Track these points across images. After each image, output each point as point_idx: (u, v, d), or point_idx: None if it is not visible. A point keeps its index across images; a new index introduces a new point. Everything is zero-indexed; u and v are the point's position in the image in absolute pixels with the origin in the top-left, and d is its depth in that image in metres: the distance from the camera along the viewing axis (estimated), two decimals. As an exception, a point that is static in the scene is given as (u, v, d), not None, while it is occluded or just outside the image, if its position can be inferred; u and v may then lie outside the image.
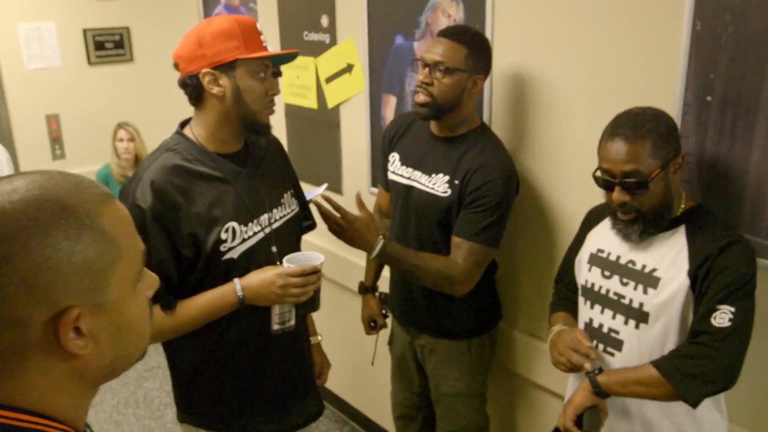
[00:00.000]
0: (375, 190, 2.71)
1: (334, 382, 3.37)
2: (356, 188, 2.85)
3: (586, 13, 1.91)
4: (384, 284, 2.43)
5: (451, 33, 1.98)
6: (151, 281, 0.87)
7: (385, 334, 2.51)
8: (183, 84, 1.64)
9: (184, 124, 1.71)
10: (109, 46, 4.43)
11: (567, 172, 2.05)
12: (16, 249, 0.70)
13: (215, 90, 1.61)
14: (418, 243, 2.10)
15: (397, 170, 2.17)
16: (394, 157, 2.20)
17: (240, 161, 1.72)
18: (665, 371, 1.50)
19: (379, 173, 2.36)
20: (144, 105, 4.38)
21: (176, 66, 1.64)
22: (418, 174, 2.10)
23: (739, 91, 1.63)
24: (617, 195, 1.57)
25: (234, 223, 1.66)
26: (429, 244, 2.07)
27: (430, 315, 2.18)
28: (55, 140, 4.37)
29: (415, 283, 2.14)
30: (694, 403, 1.50)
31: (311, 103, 2.98)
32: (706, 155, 1.71)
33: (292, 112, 3.14)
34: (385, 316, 2.42)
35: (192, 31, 1.62)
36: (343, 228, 1.90)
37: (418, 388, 2.39)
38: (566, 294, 1.89)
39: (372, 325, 2.44)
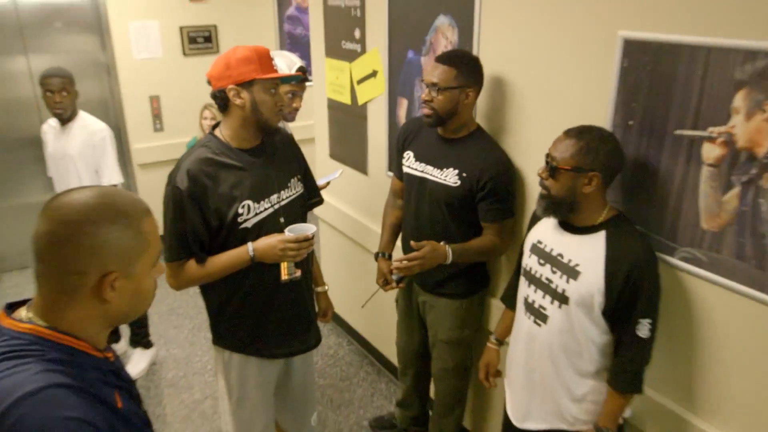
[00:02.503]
0: (391, 173, 2.91)
1: (358, 325, 3.66)
2: (378, 170, 3.06)
3: (545, 44, 2.04)
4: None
5: (443, 58, 2.13)
6: (160, 269, 1.15)
7: (390, 294, 2.69)
8: (214, 96, 1.88)
9: (215, 127, 1.97)
10: (200, 40, 4.72)
11: (538, 162, 2.14)
12: (93, 229, 1.00)
13: (238, 101, 1.85)
14: (430, 222, 2.29)
15: (412, 165, 2.34)
16: (409, 155, 2.36)
17: (256, 154, 1.96)
18: (628, 388, 1.75)
19: (394, 163, 2.54)
20: (226, 89, 4.68)
21: (209, 82, 1.88)
22: (430, 168, 2.27)
23: (652, 119, 1.75)
24: (541, 169, 1.75)
25: (249, 201, 1.91)
26: (439, 223, 2.26)
27: (433, 279, 2.37)
28: (156, 116, 4.73)
29: None
30: (641, 392, 1.76)
31: (346, 99, 3.18)
32: (627, 169, 1.82)
33: (333, 105, 3.35)
34: (398, 281, 2.40)
35: (221, 57, 1.86)
36: (421, 262, 2.11)
37: (419, 337, 2.60)
38: (515, 283, 2.05)
39: (384, 283, 2.49)
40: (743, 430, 1.72)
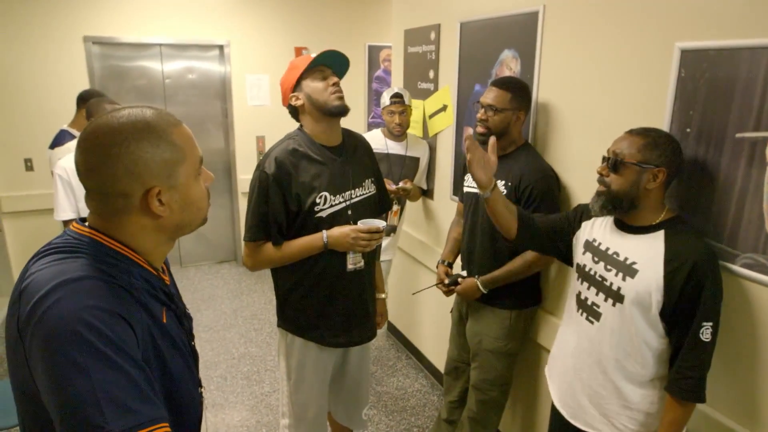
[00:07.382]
0: (455, 197, 2.76)
1: (419, 342, 3.44)
2: (443, 194, 2.92)
3: (601, 63, 1.88)
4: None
5: (498, 83, 2.02)
6: (207, 176, 1.00)
7: (446, 302, 2.47)
8: (292, 114, 1.86)
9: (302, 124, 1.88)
10: (302, 92, 4.84)
11: (590, 178, 1.95)
12: (123, 150, 0.86)
13: (299, 102, 1.79)
14: (481, 233, 2.13)
15: (470, 184, 2.21)
16: (468, 177, 2.24)
17: (337, 152, 1.85)
18: (689, 396, 1.43)
19: (458, 187, 2.41)
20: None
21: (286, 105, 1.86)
22: None
23: (710, 125, 1.53)
24: (600, 166, 1.53)
25: (326, 193, 1.79)
26: (488, 234, 2.10)
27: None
28: (260, 153, 4.83)
29: (475, 267, 2.17)
30: (704, 400, 1.44)
31: (419, 132, 3.10)
32: (685, 175, 1.60)
33: (407, 139, 3.27)
34: (449, 285, 2.24)
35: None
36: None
37: (468, 347, 2.34)
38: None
39: (438, 284, 2.33)
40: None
